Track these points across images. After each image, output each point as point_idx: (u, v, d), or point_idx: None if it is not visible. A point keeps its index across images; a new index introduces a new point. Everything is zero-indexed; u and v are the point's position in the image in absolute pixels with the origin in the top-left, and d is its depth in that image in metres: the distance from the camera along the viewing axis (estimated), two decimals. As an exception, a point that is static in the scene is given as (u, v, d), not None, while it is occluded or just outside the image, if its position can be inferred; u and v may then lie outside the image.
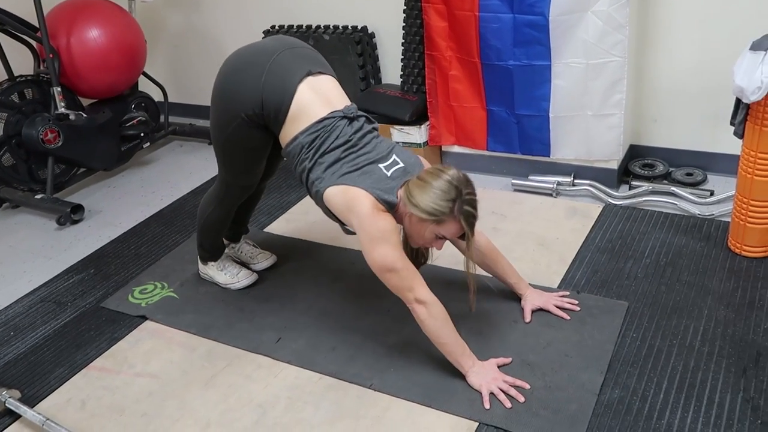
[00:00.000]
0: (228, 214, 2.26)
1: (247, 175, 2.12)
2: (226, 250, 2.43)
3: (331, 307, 2.21)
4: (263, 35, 3.51)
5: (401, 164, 1.81)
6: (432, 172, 1.72)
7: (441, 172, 1.70)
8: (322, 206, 1.85)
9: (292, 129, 1.83)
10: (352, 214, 1.74)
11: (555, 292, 2.10)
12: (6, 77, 3.13)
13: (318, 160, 1.80)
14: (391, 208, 1.76)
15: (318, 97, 1.84)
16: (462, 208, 1.68)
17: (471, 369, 1.80)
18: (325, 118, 1.81)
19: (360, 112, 1.90)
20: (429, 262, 2.00)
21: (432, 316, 1.74)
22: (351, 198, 1.73)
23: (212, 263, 2.36)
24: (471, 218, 1.71)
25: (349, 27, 3.29)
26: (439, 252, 1.92)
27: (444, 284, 2.04)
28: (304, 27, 3.41)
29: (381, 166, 1.78)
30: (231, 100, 1.89)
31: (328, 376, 1.92)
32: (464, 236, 1.73)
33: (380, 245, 1.70)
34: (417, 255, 1.94)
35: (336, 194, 1.76)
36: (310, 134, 1.81)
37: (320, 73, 1.89)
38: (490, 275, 2.08)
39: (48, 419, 1.83)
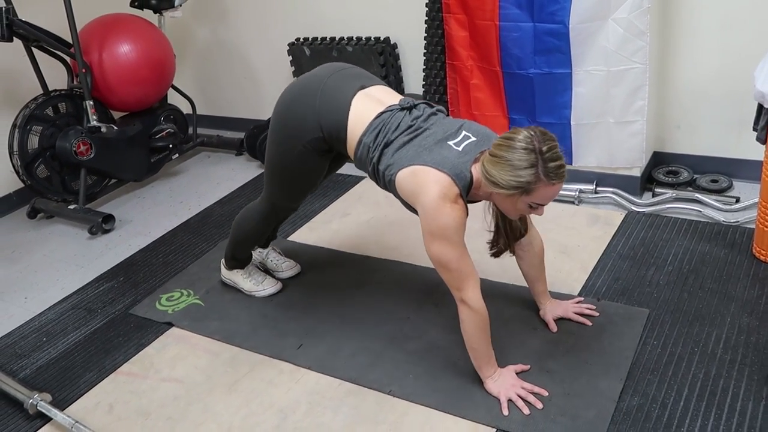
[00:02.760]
0: (267, 230, 2.33)
1: (298, 198, 2.18)
2: (254, 255, 2.49)
3: (352, 315, 2.24)
4: (288, 47, 3.58)
5: (472, 138, 1.73)
6: (502, 144, 1.60)
7: (511, 141, 1.57)
8: (400, 198, 1.79)
9: (354, 137, 1.83)
10: (417, 201, 1.69)
11: (572, 300, 2.10)
12: (41, 92, 3.24)
13: (384, 150, 1.77)
14: (468, 185, 1.69)
15: (372, 103, 1.84)
16: (546, 167, 1.55)
17: (491, 377, 1.81)
18: (382, 113, 1.80)
19: (419, 100, 1.87)
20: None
21: (474, 321, 1.72)
22: (419, 183, 1.67)
23: (239, 270, 2.41)
24: (559, 170, 1.57)
25: (372, 38, 3.33)
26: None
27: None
28: (327, 39, 3.47)
29: (451, 142, 1.71)
30: (291, 130, 1.92)
31: (348, 381, 1.95)
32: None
33: (439, 240, 1.66)
34: (513, 228, 1.85)
35: (406, 177, 1.71)
36: (372, 132, 1.79)
37: (372, 85, 1.91)
38: (515, 283, 2.08)
39: (77, 422, 1.89)
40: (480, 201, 1.82)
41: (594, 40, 2.54)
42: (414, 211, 1.78)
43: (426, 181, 1.66)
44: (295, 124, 1.91)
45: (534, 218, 1.83)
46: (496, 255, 1.91)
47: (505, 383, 1.79)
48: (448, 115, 1.89)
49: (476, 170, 1.67)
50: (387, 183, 1.80)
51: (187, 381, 2.06)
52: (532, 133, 1.58)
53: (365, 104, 1.84)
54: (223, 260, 2.45)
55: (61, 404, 2.00)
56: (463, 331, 1.76)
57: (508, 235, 1.86)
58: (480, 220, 1.86)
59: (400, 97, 1.90)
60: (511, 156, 1.56)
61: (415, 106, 1.84)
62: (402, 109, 1.82)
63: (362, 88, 1.88)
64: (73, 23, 3.05)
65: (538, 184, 1.56)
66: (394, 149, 1.75)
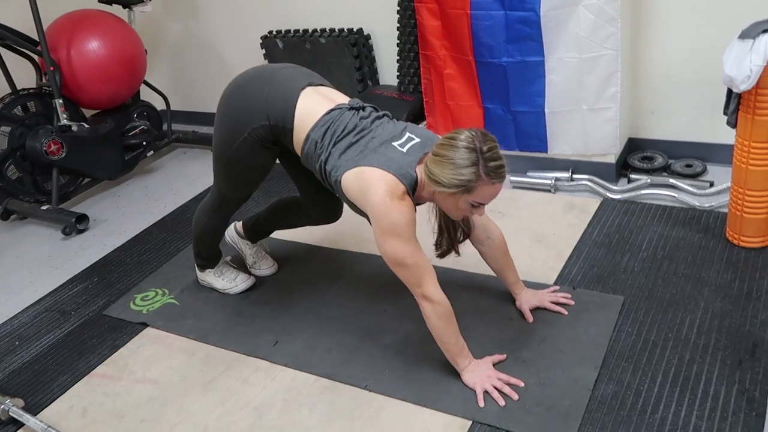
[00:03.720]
0: (224, 223, 2.30)
1: (246, 189, 2.15)
2: (240, 244, 2.47)
3: (328, 310, 2.22)
4: (261, 41, 3.54)
5: (416, 139, 1.76)
6: (444, 144, 1.63)
7: (453, 141, 1.61)
8: (345, 199, 1.80)
9: (302, 131, 1.83)
10: (366, 201, 1.69)
11: (547, 289, 2.10)
12: (9, 91, 3.18)
13: (331, 150, 1.77)
14: (413, 184, 1.70)
15: (321, 98, 1.86)
16: (487, 167, 1.58)
17: (466, 368, 1.80)
18: (332, 110, 1.81)
19: (367, 104, 1.89)
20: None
21: (437, 314, 1.72)
22: (365, 183, 1.68)
23: (210, 270, 2.39)
24: (499, 170, 1.61)
25: (345, 30, 3.31)
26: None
27: (445, 283, 2.02)
28: (300, 31, 3.44)
29: (395, 144, 1.74)
30: (236, 116, 1.91)
31: (324, 377, 1.93)
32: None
33: (391, 238, 1.66)
34: (456, 229, 1.88)
35: (352, 179, 1.72)
36: (320, 128, 1.79)
37: (321, 84, 1.92)
38: (490, 274, 2.08)
39: (50, 427, 1.86)
40: (424, 203, 1.83)
41: (565, 27, 2.53)
42: (360, 213, 1.79)
43: (372, 180, 1.67)
44: (241, 111, 1.89)
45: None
46: (441, 256, 1.91)
47: (480, 374, 1.79)
48: (392, 119, 1.90)
49: (420, 171, 1.70)
50: (333, 183, 1.80)
51: (162, 381, 2.03)
52: (474, 133, 1.62)
53: (314, 99, 1.85)
54: (195, 265, 2.43)
55: (34, 409, 1.98)
56: (429, 327, 1.76)
57: (452, 235, 1.87)
58: (425, 219, 1.86)
59: (348, 98, 1.91)
60: (453, 155, 1.60)
61: (362, 107, 1.85)
62: (351, 108, 1.83)
63: (311, 84, 1.88)
64: (38, 20, 3.00)
65: (479, 182, 1.59)
66: (341, 150, 1.76)
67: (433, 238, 1.89)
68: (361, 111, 1.84)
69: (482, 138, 1.61)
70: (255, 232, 2.45)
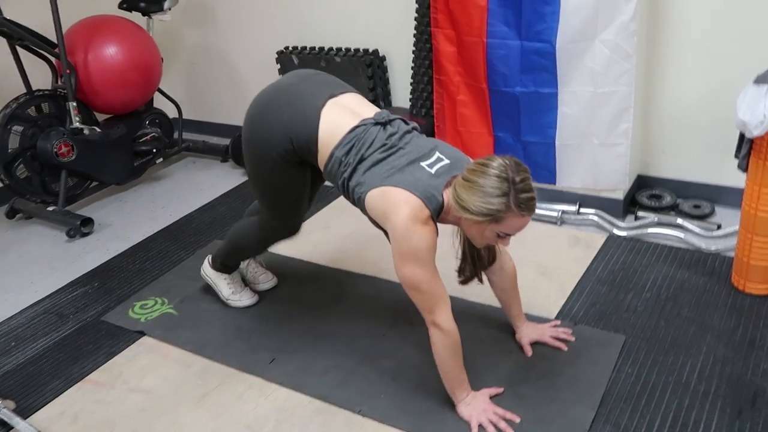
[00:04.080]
0: (263, 251, 2.31)
1: (292, 216, 2.09)
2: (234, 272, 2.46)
3: (327, 330, 2.21)
4: (276, 56, 3.56)
5: (446, 161, 1.71)
6: (476, 170, 1.58)
7: (485, 168, 1.56)
8: (368, 215, 1.76)
9: (326, 149, 1.78)
10: (387, 222, 1.65)
11: (548, 323, 2.08)
12: (24, 91, 3.21)
13: (356, 167, 1.73)
14: (438, 208, 1.66)
15: (344, 113, 1.79)
16: (518, 198, 1.53)
17: (463, 400, 1.78)
18: (356, 127, 1.76)
19: (394, 116, 1.83)
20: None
21: (445, 344, 1.69)
22: (390, 203, 1.64)
23: (225, 275, 2.37)
24: (530, 202, 1.56)
25: (361, 50, 3.32)
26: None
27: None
28: (316, 49, 3.45)
29: (424, 164, 1.69)
30: (260, 144, 1.87)
31: (318, 399, 1.91)
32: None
33: (410, 262, 1.62)
34: (480, 257, 1.84)
35: (376, 198, 1.67)
36: (345, 146, 1.75)
37: (342, 93, 1.86)
38: (491, 303, 2.07)
39: (39, 431, 1.85)
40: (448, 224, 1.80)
41: (580, 60, 2.54)
42: (381, 229, 1.76)
43: (397, 202, 1.63)
44: (264, 137, 1.86)
45: (515, 237, 1.81)
46: (463, 283, 1.89)
47: (477, 407, 1.77)
48: (422, 134, 1.86)
49: (447, 194, 1.66)
50: (356, 200, 1.76)
51: (156, 392, 2.02)
52: (507, 162, 1.56)
53: (336, 115, 1.79)
54: (209, 258, 2.39)
55: (25, 412, 1.96)
56: (434, 353, 1.73)
57: (476, 263, 1.84)
58: (449, 240, 1.84)
59: (373, 107, 1.86)
60: (484, 182, 1.55)
61: (390, 121, 1.80)
62: (376, 123, 1.78)
63: (332, 96, 1.82)
64: (58, 23, 3.03)
65: (508, 213, 1.55)
66: (366, 167, 1.72)
67: (456, 264, 1.85)
68: (389, 126, 1.78)
69: (515, 168, 1.56)
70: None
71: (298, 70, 1.98)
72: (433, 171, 1.68)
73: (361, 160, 1.73)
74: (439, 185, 1.66)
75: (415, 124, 1.86)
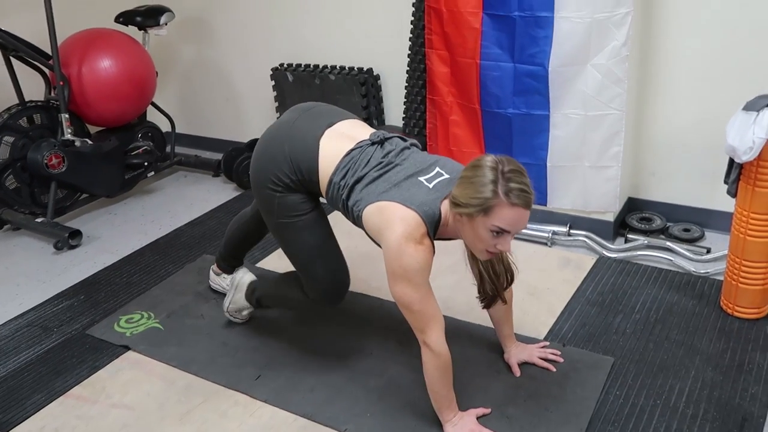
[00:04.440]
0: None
1: (327, 257, 1.94)
2: (219, 280, 2.44)
3: (314, 347, 2.19)
4: (271, 72, 3.57)
5: (445, 175, 1.69)
6: (469, 167, 1.59)
7: (478, 161, 1.57)
8: (368, 234, 1.74)
9: (325, 178, 1.79)
10: (381, 238, 1.64)
11: (537, 344, 2.07)
12: (17, 101, 3.20)
13: (353, 186, 1.72)
14: (435, 222, 1.64)
15: (341, 139, 1.80)
16: (506, 186, 1.50)
17: (450, 421, 1.76)
18: (352, 150, 1.76)
19: (391, 134, 1.82)
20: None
21: (435, 364, 1.67)
22: (385, 220, 1.63)
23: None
24: (521, 193, 1.51)
25: (355, 68, 3.34)
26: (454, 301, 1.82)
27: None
28: (311, 66, 3.47)
29: (422, 178, 1.68)
30: (268, 182, 1.84)
31: (304, 417, 1.89)
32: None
33: (401, 281, 1.61)
34: (497, 273, 1.79)
35: (372, 214, 1.66)
36: (342, 170, 1.75)
37: (339, 120, 1.87)
38: (479, 323, 2.05)
39: (18, 447, 1.81)
40: (450, 240, 1.79)
41: (573, 84, 2.56)
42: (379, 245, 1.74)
43: (392, 218, 1.62)
44: (270, 175, 1.83)
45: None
46: (486, 306, 1.87)
47: (464, 428, 1.75)
48: (423, 150, 1.85)
49: (445, 206, 1.65)
50: (356, 218, 1.76)
51: (138, 408, 1.99)
52: (500, 158, 1.57)
53: (334, 143, 1.80)
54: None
55: (4, 427, 1.93)
56: (424, 372, 1.72)
57: (494, 280, 1.79)
58: (450, 255, 1.84)
59: (371, 130, 1.87)
60: (475, 173, 1.55)
61: (387, 139, 1.80)
62: (372, 144, 1.79)
63: (330, 125, 1.84)
64: (53, 34, 3.03)
65: (497, 201, 1.51)
66: (364, 185, 1.72)
67: (458, 274, 1.83)
68: (386, 144, 1.78)
69: (507, 162, 1.55)
70: (228, 263, 2.43)
71: (297, 104, 1.98)
72: (431, 186, 1.67)
73: (358, 180, 1.73)
74: (437, 199, 1.65)
75: (414, 141, 1.86)
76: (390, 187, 1.68)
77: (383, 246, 1.65)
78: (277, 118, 2.00)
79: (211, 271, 2.52)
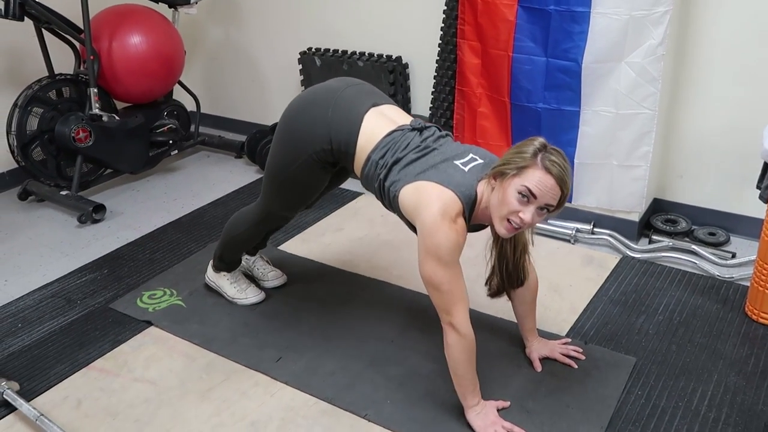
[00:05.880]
0: (258, 236, 2.29)
1: (294, 209, 2.14)
2: (242, 262, 2.45)
3: (335, 332, 2.19)
4: (299, 56, 3.56)
5: (480, 160, 1.74)
6: (517, 144, 1.66)
7: (526, 141, 1.64)
8: (401, 215, 1.78)
9: (363, 153, 1.81)
10: (417, 216, 1.66)
11: (559, 340, 2.07)
12: (47, 74, 3.21)
13: (392, 167, 1.76)
14: (471, 203, 1.68)
15: (384, 120, 1.84)
16: (545, 157, 1.57)
17: (474, 408, 1.76)
18: (393, 131, 1.80)
19: (429, 124, 1.87)
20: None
21: (460, 346, 1.67)
22: (422, 198, 1.66)
23: (225, 273, 2.37)
24: (556, 166, 1.56)
25: (384, 56, 3.32)
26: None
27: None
28: (339, 52, 3.46)
29: (457, 162, 1.72)
30: (299, 138, 1.90)
31: (324, 401, 1.90)
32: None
33: (432, 260, 1.62)
34: (509, 271, 1.85)
35: (409, 194, 1.70)
36: (382, 149, 1.78)
37: (384, 104, 1.91)
38: (501, 316, 2.05)
39: (42, 415, 1.83)
40: (477, 231, 1.80)
41: (605, 81, 2.53)
42: (415, 230, 1.75)
43: (429, 196, 1.65)
44: (304, 133, 1.89)
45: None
46: (492, 296, 1.90)
47: (486, 419, 1.75)
48: (456, 141, 1.88)
49: (480, 188, 1.68)
50: (391, 199, 1.77)
51: (160, 383, 2.01)
52: (548, 143, 1.63)
53: (377, 121, 1.83)
54: (211, 261, 2.41)
55: (28, 395, 1.95)
56: (448, 356, 1.71)
57: (503, 277, 1.84)
58: (475, 248, 1.84)
59: (411, 118, 1.90)
60: (521, 146, 1.63)
61: (426, 127, 1.84)
62: (413, 129, 1.82)
63: (375, 105, 1.87)
64: (86, 8, 3.03)
65: (533, 164, 1.58)
66: (401, 166, 1.74)
67: (481, 268, 1.87)
68: (424, 131, 1.83)
69: (555, 148, 1.62)
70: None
71: (345, 77, 2.01)
72: (466, 169, 1.71)
73: (397, 161, 1.75)
74: (473, 179, 1.69)
75: (448, 132, 1.90)
76: (427, 169, 1.71)
77: (418, 224, 1.66)
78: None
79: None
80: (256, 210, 2.18)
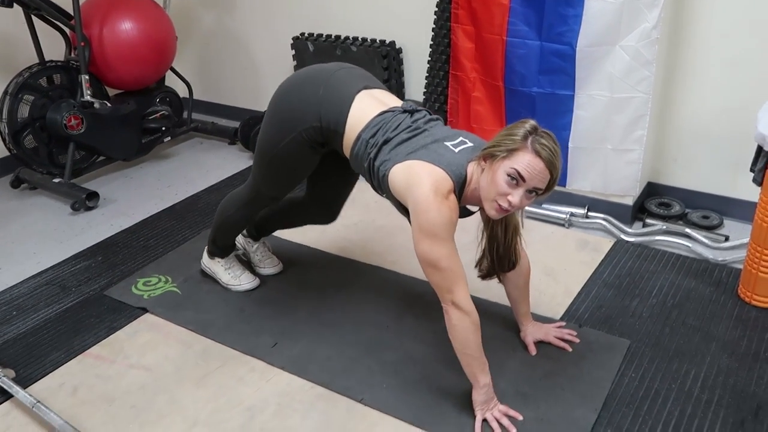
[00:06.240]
0: (249, 218, 2.28)
1: (283, 190, 2.14)
2: (244, 246, 2.45)
3: (331, 318, 2.20)
4: (292, 41, 3.54)
5: (469, 143, 1.74)
6: (507, 126, 1.66)
7: (517, 123, 1.64)
8: (391, 197, 1.76)
9: (353, 133, 1.81)
10: (409, 195, 1.65)
11: (553, 324, 2.08)
12: (37, 61, 3.18)
13: (382, 147, 1.75)
14: (461, 183, 1.68)
15: (375, 102, 1.84)
16: (536, 140, 1.58)
17: (482, 388, 1.73)
18: (384, 112, 1.80)
19: (420, 107, 1.87)
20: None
21: (465, 324, 1.65)
22: (412, 176, 1.65)
23: (219, 259, 2.37)
24: (546, 149, 1.57)
25: (377, 41, 3.31)
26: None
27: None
28: (333, 37, 3.44)
29: (448, 143, 1.72)
30: (289, 116, 1.89)
31: (320, 385, 1.91)
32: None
33: (427, 237, 1.61)
34: (500, 255, 1.86)
35: (399, 173, 1.69)
36: (372, 128, 1.77)
37: (375, 87, 1.91)
38: (495, 300, 2.06)
39: (38, 402, 1.83)
40: (469, 214, 1.80)
41: (600, 65, 2.53)
42: (405, 212, 1.75)
43: (420, 175, 1.64)
44: (295, 110, 1.88)
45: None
46: (483, 278, 1.90)
47: (496, 406, 1.76)
48: (446, 124, 1.88)
49: (470, 168, 1.68)
50: (381, 179, 1.76)
51: (156, 370, 2.01)
52: (539, 125, 1.64)
53: (368, 103, 1.83)
54: (206, 247, 2.41)
55: (24, 382, 1.95)
56: (453, 338, 1.69)
57: (494, 261, 1.85)
58: (470, 233, 1.84)
59: (402, 102, 1.90)
60: (512, 128, 1.64)
61: (416, 110, 1.84)
62: (404, 111, 1.82)
63: (366, 87, 1.87)
64: (76, -6, 3.00)
65: (522, 147, 1.58)
66: (392, 146, 1.74)
67: (474, 258, 1.87)
68: (415, 113, 1.83)
69: (545, 131, 1.62)
70: (257, 229, 2.44)
71: (340, 62, 2.01)
72: (456, 150, 1.71)
73: (387, 140, 1.75)
74: (463, 160, 1.69)
75: (438, 116, 1.89)
76: (418, 149, 1.71)
77: (410, 203, 1.66)
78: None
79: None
80: (246, 190, 2.18)
